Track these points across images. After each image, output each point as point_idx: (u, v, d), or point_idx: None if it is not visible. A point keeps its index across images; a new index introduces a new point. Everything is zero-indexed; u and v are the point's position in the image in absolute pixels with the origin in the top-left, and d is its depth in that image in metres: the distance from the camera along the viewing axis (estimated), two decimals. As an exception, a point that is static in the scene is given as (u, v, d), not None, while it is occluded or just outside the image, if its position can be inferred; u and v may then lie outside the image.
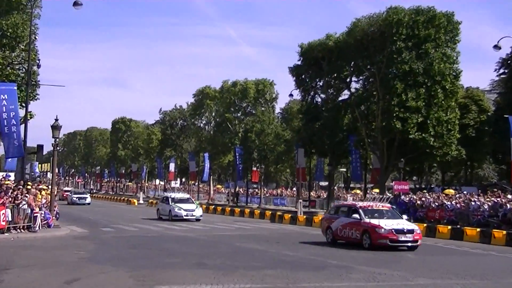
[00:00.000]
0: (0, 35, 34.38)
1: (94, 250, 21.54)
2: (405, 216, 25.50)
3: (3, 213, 24.76)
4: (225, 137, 74.49)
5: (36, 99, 36.20)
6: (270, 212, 45.83)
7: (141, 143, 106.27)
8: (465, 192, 41.79)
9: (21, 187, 27.81)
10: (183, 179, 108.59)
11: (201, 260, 18.88)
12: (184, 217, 39.09)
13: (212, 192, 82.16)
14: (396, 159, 45.04)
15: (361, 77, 49.24)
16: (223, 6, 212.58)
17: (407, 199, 42.02)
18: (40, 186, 33.14)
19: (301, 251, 22.18)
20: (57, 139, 31.16)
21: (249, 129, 67.25)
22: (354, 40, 46.07)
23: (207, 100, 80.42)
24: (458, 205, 36.48)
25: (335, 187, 69.40)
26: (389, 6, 43.86)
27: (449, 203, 37.28)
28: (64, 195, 72.67)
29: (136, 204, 71.05)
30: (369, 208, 24.44)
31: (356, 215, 23.92)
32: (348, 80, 51.18)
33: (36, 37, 35.32)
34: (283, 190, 74.28)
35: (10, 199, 26.10)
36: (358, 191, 63.38)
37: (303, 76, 53.97)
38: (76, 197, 65.11)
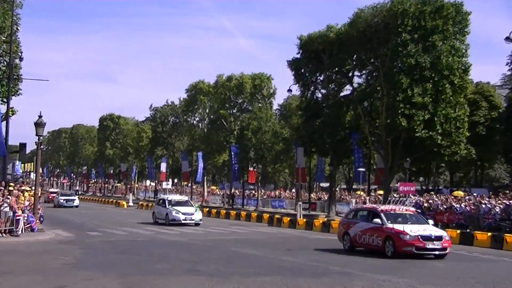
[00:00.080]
0: (-21, 26, 34.23)
1: (80, 256, 21.47)
2: (431, 221, 24.60)
3: (-17, 216, 24.67)
4: (220, 135, 74.55)
5: (18, 95, 36.11)
6: (268, 215, 45.82)
7: (131, 142, 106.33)
8: (475, 194, 41.82)
9: (2, 188, 27.71)
10: (175, 180, 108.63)
11: (194, 266, 18.83)
12: (183, 221, 38.50)
13: (206, 193, 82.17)
14: (401, 158, 45.05)
15: (364, 71, 49.25)
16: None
17: (413, 201, 42.01)
18: (23, 187, 33.05)
19: (301, 256, 22.14)
20: (41, 137, 31.04)
21: (245, 126, 67.33)
22: (356, 31, 46.06)
23: (201, 96, 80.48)
24: (467, 208, 36.48)
25: (337, 189, 69.33)
26: (394, -4, 43.82)
27: (458, 205, 37.28)
28: (50, 197, 72.53)
29: (125, 206, 70.97)
30: (392, 212, 23.77)
31: (378, 220, 23.06)
32: (350, 74, 51.16)
33: (18, 27, 35.18)
34: (281, 192, 74.20)
35: (-9, 201, 26.00)
36: (361, 193, 63.32)
37: (302, 70, 53.95)
38: (64, 199, 64.83)
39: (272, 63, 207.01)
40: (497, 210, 34.36)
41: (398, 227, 22.34)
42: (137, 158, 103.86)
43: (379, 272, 18.24)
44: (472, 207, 36.33)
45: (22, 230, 27.20)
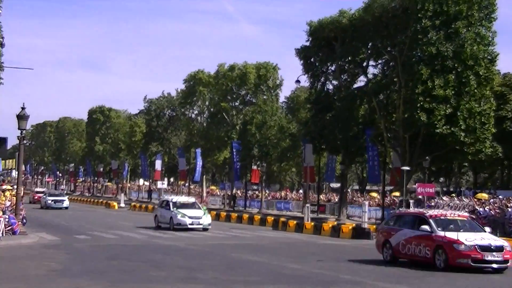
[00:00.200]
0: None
1: (66, 261, 21.58)
2: (487, 229, 23.12)
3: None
4: (221, 130, 74.62)
5: (-1, 84, 36.13)
6: (273, 218, 45.90)
7: (122, 137, 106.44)
8: (500, 197, 41.88)
9: (-19, 187, 27.83)
10: (171, 179, 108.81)
11: (191, 274, 18.92)
12: (189, 226, 37.64)
13: (205, 194, 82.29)
14: (420, 157, 45.02)
15: (379, 61, 49.18)
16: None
17: (433, 204, 42.06)
18: (4, 187, 33.26)
19: (307, 264, 22.21)
20: (24, 131, 31.16)
21: (249, 121, 67.30)
22: (372, 17, 46.02)
23: (200, 87, 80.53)
24: (492, 211, 36.54)
25: (349, 190, 69.39)
26: (414, -23, 43.77)
27: (481, 209, 37.34)
28: (36, 197, 72.46)
29: (116, 207, 71.15)
30: (442, 217, 22.72)
31: (426, 227, 21.96)
32: (364, 64, 51.13)
33: (0, 11, 35.16)
34: (287, 193, 74.22)
35: (-31, 201, 26.15)
36: (374, 194, 63.45)
37: (312, 60, 53.95)
38: (52, 200, 64.21)
39: (278, 52, 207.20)
40: (525, 215, 34.43)
41: (451, 235, 21.24)
42: (129, 154, 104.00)
43: (392, 281, 18.32)
44: (497, 210, 36.39)
45: (2, 233, 27.33)
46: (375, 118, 48.94)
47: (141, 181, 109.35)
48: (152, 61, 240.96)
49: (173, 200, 40.41)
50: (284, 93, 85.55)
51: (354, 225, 38.54)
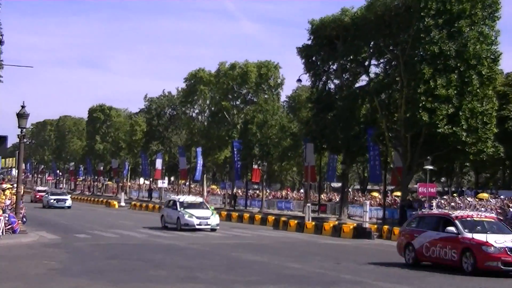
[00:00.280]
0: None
1: (66, 261, 21.60)
2: None
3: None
4: (221, 129, 74.57)
5: (-2, 82, 36.12)
6: (273, 218, 45.93)
7: (123, 136, 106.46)
8: (502, 197, 41.85)
9: (-19, 185, 27.83)
10: (172, 178, 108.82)
11: (191, 273, 18.92)
12: (197, 226, 37.06)
13: (205, 193, 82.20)
14: (421, 157, 45.04)
15: (382, 60, 49.20)
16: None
17: (435, 204, 42.05)
18: (4, 185, 33.21)
19: (308, 263, 22.22)
20: (24, 130, 31.17)
21: (250, 120, 67.31)
22: (374, 16, 46.01)
23: (201, 86, 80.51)
24: (493, 212, 36.50)
25: (350, 189, 69.40)
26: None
27: (483, 209, 37.32)
28: (38, 196, 72.39)
29: (116, 206, 71.20)
30: (469, 219, 21.96)
31: (452, 228, 21.22)
32: (366, 63, 51.13)
33: (-1, 8, 35.06)
34: (288, 192, 74.20)
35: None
36: (376, 194, 63.45)
37: (313, 58, 53.94)
38: (54, 199, 63.70)
39: (280, 50, 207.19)
40: (526, 215, 34.41)
41: (479, 237, 20.54)
42: (130, 153, 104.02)
43: (393, 281, 18.32)
44: (499, 211, 36.38)
45: (2, 232, 27.34)
46: (376, 117, 48.94)
47: (142, 180, 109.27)
48: (152, 60, 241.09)
49: (180, 200, 39.74)
50: (286, 92, 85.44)
51: (355, 224, 38.54)
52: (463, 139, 42.16)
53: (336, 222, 43.07)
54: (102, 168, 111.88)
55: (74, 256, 23.18)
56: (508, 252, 19.97)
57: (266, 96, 71.41)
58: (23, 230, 30.54)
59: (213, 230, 37.41)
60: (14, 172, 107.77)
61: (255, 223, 46.69)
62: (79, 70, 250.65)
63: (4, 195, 30.16)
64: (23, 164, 49.59)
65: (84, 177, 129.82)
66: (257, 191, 75.36)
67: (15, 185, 34.37)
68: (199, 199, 42.77)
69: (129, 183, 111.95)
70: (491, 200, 42.45)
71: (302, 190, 74.57)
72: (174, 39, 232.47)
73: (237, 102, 75.34)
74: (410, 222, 24.80)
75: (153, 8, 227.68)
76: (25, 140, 32.16)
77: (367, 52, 50.32)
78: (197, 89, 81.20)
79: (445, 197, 49.97)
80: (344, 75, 53.12)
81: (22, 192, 34.03)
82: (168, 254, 24.44)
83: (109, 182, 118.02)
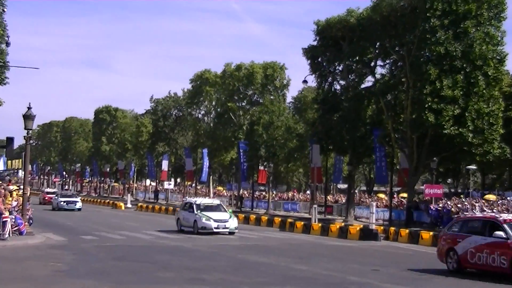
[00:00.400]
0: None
1: (73, 262, 21.63)
2: None
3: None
4: (227, 131, 74.66)
5: (4, 84, 36.15)
6: (280, 219, 45.89)
7: (129, 137, 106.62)
8: (509, 198, 41.73)
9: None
10: (178, 180, 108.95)
11: (198, 275, 18.93)
12: (215, 230, 35.84)
13: (211, 194, 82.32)
14: (427, 158, 44.99)
15: (387, 61, 49.19)
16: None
17: (441, 205, 41.97)
18: (10, 187, 33.23)
19: (315, 265, 22.21)
20: (30, 131, 31.23)
21: (256, 121, 67.32)
22: (380, 16, 46.00)
23: (207, 87, 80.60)
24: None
25: (356, 191, 69.35)
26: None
27: (489, 210, 37.23)
28: (47, 198, 72.30)
29: (123, 208, 71.25)
30: None
31: (500, 233, 19.79)
32: (372, 64, 51.15)
33: (5, 9, 35.09)
34: (294, 194, 74.20)
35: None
36: (382, 195, 63.38)
37: (319, 59, 53.97)
38: (64, 201, 62.68)
39: (285, 51, 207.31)
40: (533, 216, 34.24)
41: None
42: (136, 155, 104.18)
43: (400, 283, 18.30)
44: (505, 212, 36.23)
45: (9, 233, 27.37)
46: (382, 118, 48.93)
47: (148, 182, 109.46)
48: (158, 61, 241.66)
49: (197, 202, 38.30)
50: (291, 93, 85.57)
51: (361, 226, 38.48)
52: (469, 140, 42.10)
53: (343, 224, 43.04)
54: (108, 169, 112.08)
55: (80, 257, 23.22)
56: None
57: (272, 97, 71.48)
58: (30, 231, 30.60)
59: (231, 233, 36.26)
60: (21, 173, 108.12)
61: (261, 225, 46.69)
62: (85, 71, 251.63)
63: (10, 196, 30.20)
64: (30, 166, 49.78)
65: (90, 179, 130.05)
66: (263, 193, 75.40)
67: (22, 186, 34.43)
68: (216, 201, 41.35)
69: (135, 185, 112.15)
70: (502, 200, 42.20)
71: (308, 192, 74.61)
72: (179, 39, 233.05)
73: (243, 103, 75.43)
74: (451, 226, 23.11)
75: (158, 9, 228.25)
76: (31, 141, 32.21)
77: (373, 53, 50.35)
78: (202, 90, 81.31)
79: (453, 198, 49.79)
80: (350, 76, 53.16)
81: (28, 194, 34.06)
82: (174, 255, 24.45)
83: (115, 184, 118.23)
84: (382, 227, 38.36)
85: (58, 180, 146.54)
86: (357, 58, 51.77)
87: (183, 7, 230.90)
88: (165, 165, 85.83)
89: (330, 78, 54.58)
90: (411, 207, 45.27)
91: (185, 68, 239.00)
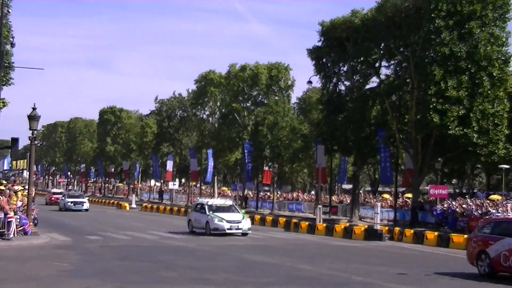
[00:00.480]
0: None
1: (77, 262, 21.67)
2: None
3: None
4: (232, 131, 74.65)
5: (9, 84, 36.24)
6: (284, 219, 45.89)
7: (134, 137, 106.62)
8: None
9: (-8, 187, 27.93)
10: (183, 180, 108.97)
11: (202, 275, 18.94)
12: (227, 231, 35.14)
13: (216, 195, 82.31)
14: (432, 158, 44.92)
15: (392, 62, 49.13)
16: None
17: (445, 206, 41.91)
18: (15, 187, 33.30)
19: (320, 265, 22.19)
20: (35, 132, 31.26)
21: (260, 121, 67.30)
22: (384, 17, 45.97)
23: (211, 87, 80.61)
24: (505, 213, 36.33)
25: (361, 191, 69.29)
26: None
27: (494, 211, 37.17)
28: (53, 199, 72.23)
29: (127, 208, 71.34)
30: None
31: None
32: (377, 64, 51.09)
33: (9, 10, 35.14)
34: (299, 194, 74.22)
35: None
36: (387, 196, 63.31)
37: (324, 60, 53.95)
38: (71, 202, 62.24)
39: (290, 52, 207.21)
40: (539, 217, 34.15)
41: None
42: (140, 155, 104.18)
43: (405, 282, 18.26)
44: (510, 212, 36.17)
45: (14, 233, 27.42)
46: (387, 119, 48.87)
47: (152, 182, 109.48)
48: (163, 61, 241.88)
49: (209, 203, 37.68)
50: (296, 94, 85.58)
51: (366, 226, 38.44)
52: (474, 141, 42.04)
53: (347, 224, 42.99)
54: (113, 170, 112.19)
55: (85, 257, 23.25)
56: None
57: (276, 97, 71.45)
58: (35, 231, 30.67)
59: (244, 234, 35.62)
60: (26, 174, 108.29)
61: (266, 225, 46.72)
62: (90, 71, 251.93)
63: (15, 196, 30.26)
64: (34, 166, 49.97)
65: (95, 179, 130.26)
66: (268, 193, 75.42)
67: (26, 186, 34.49)
68: (228, 202, 40.41)
69: (140, 185, 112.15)
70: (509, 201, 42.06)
71: (313, 192, 74.58)
72: (183, 40, 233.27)
73: (248, 104, 75.43)
74: (482, 228, 21.91)
75: (162, 9, 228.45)
76: (36, 142, 32.23)
77: (377, 54, 50.33)
78: (207, 90, 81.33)
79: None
80: (354, 77, 53.12)
81: (33, 194, 34.11)
82: (179, 255, 24.47)
83: (120, 184, 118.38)
84: (386, 228, 38.31)
85: (63, 180, 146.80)
86: (361, 58, 51.72)
87: (186, 7, 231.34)
88: (169, 165, 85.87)
89: (334, 78, 54.57)
90: (416, 208, 45.22)
91: (190, 68, 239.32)
